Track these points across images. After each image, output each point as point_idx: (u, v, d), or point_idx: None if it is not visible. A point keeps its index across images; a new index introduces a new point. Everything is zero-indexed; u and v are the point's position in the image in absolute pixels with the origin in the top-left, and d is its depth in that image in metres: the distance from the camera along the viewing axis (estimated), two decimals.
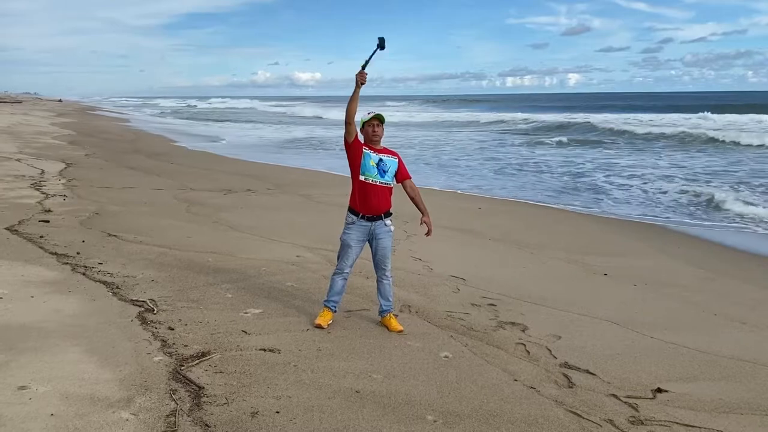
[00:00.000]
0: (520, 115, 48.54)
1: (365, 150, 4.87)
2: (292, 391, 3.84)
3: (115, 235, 7.79)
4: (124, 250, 7.07)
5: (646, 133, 30.49)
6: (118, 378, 3.85)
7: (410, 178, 5.11)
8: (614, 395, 4.10)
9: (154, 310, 5.13)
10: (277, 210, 10.58)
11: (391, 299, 5.14)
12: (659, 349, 5.01)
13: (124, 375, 3.90)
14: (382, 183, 4.90)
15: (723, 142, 25.98)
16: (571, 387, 4.20)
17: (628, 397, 4.08)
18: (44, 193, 10.63)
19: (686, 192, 13.75)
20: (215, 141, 27.83)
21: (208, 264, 6.72)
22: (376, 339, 4.84)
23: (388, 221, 5.00)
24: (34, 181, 11.94)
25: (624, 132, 31.82)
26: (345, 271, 5.07)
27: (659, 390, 4.21)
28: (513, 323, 5.41)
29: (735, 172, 17.76)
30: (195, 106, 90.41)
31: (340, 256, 5.07)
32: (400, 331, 4.99)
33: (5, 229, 7.73)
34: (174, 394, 3.69)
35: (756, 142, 25.15)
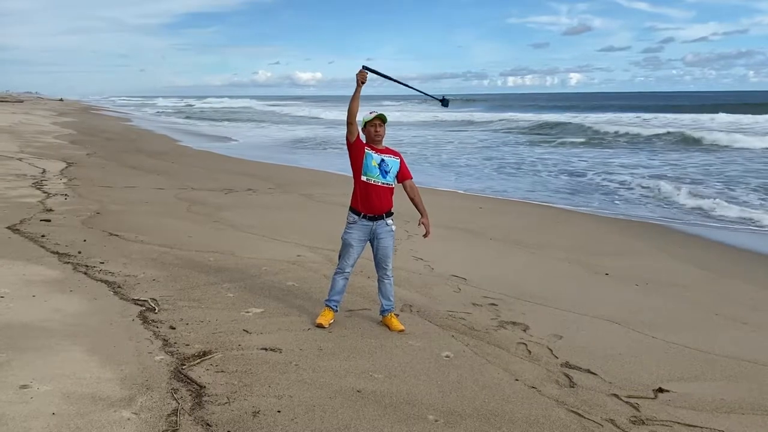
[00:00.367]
0: (517, 115, 48.54)
1: (367, 150, 4.87)
2: (293, 390, 3.84)
3: (116, 235, 7.80)
4: (125, 250, 7.08)
5: (635, 134, 30.43)
6: (119, 377, 3.85)
7: (411, 178, 5.11)
8: (615, 395, 4.10)
9: (155, 310, 5.14)
10: (279, 209, 10.59)
11: (392, 299, 5.14)
12: (660, 348, 5.01)
13: (126, 374, 3.90)
14: (383, 183, 4.90)
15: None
16: (573, 387, 4.19)
17: (630, 396, 4.08)
18: (45, 193, 10.64)
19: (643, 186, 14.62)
20: (225, 141, 27.51)
21: (210, 263, 6.73)
22: (378, 338, 4.84)
23: (389, 221, 5.00)
24: (35, 181, 11.95)
25: (613, 132, 31.70)
26: (346, 270, 5.07)
27: (660, 390, 4.21)
28: (514, 323, 5.41)
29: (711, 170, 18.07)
30: (192, 105, 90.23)
31: (342, 255, 5.07)
32: (402, 331, 4.99)
33: (7, 228, 7.74)
34: (175, 393, 3.69)
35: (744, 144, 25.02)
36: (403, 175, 5.04)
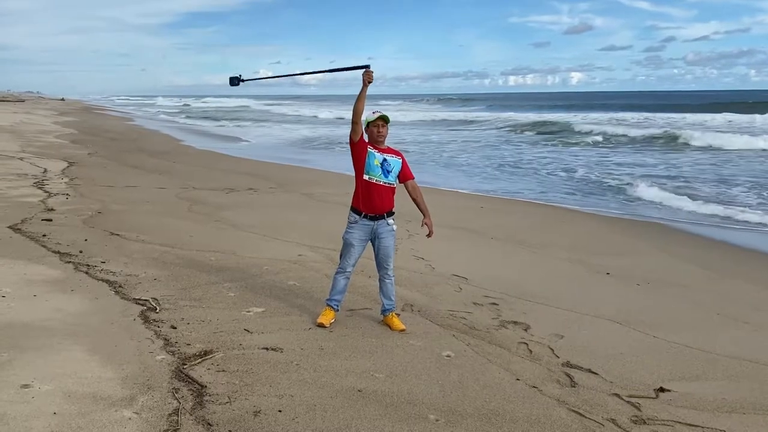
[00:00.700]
0: (514, 115, 48.49)
1: (370, 149, 4.88)
2: (294, 389, 3.84)
3: (117, 234, 7.80)
4: (126, 249, 7.08)
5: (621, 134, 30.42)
6: (120, 377, 3.86)
7: (413, 178, 5.11)
8: (617, 395, 4.09)
9: (156, 309, 5.14)
10: (280, 209, 10.59)
11: (393, 298, 5.14)
12: (662, 348, 5.00)
13: (127, 374, 3.90)
14: (385, 183, 4.90)
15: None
16: (574, 386, 4.19)
17: (631, 396, 4.08)
18: (47, 192, 10.65)
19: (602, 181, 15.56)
20: (236, 141, 27.12)
21: (211, 263, 6.73)
22: (379, 338, 4.84)
23: (390, 220, 5.00)
24: (36, 180, 11.96)
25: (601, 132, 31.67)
26: (347, 270, 5.07)
27: (662, 389, 4.21)
28: (515, 322, 5.41)
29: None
30: (189, 105, 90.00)
31: (343, 255, 5.07)
32: (403, 330, 5.00)
33: (8, 227, 7.74)
34: (176, 392, 3.69)
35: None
36: (404, 175, 5.04)
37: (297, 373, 4.08)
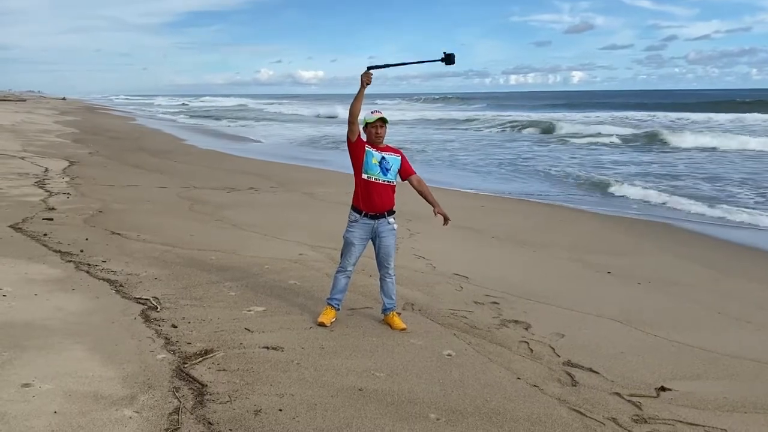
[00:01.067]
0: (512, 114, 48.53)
1: (368, 148, 4.87)
2: (294, 388, 3.84)
3: (118, 233, 7.80)
4: (127, 248, 7.08)
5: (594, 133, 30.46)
6: (121, 376, 3.86)
7: (415, 173, 5.10)
8: (618, 394, 4.09)
9: (157, 308, 5.14)
10: (280, 208, 10.59)
11: (394, 297, 5.13)
12: (663, 347, 5.00)
13: (128, 373, 3.90)
14: (385, 181, 4.90)
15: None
16: (575, 385, 4.19)
17: (632, 395, 4.07)
18: (48, 191, 10.65)
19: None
20: (246, 142, 26.54)
21: (211, 262, 6.73)
22: (379, 337, 4.84)
23: (391, 219, 5.00)
24: (37, 179, 11.96)
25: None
26: (348, 269, 5.07)
27: (663, 388, 4.20)
28: (516, 321, 5.40)
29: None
30: (187, 104, 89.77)
31: (343, 254, 5.07)
32: (403, 330, 4.99)
33: (9, 227, 7.74)
34: (177, 391, 3.69)
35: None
36: (406, 171, 5.03)
37: (298, 372, 4.08)
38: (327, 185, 13.22)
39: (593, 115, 46.34)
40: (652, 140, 26.95)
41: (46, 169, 13.48)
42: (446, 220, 5.11)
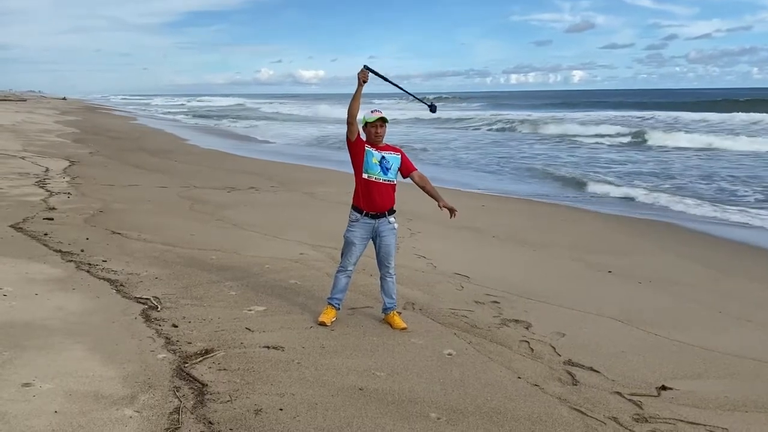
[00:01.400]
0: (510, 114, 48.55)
1: (367, 148, 4.87)
2: (295, 388, 3.84)
3: (119, 233, 7.80)
4: (127, 248, 7.08)
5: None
6: (121, 375, 3.86)
7: (416, 170, 5.10)
8: (618, 393, 4.09)
9: (157, 308, 5.14)
10: (281, 207, 10.59)
11: (394, 297, 5.13)
12: (664, 346, 5.00)
13: (128, 372, 3.90)
14: (385, 180, 4.90)
15: None
16: (575, 384, 4.18)
17: (633, 394, 4.07)
18: (48, 191, 10.65)
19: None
20: (257, 143, 26.17)
21: (212, 261, 6.73)
22: (380, 336, 4.83)
23: (391, 219, 5.00)
24: (38, 179, 11.96)
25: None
26: (348, 268, 5.07)
27: (664, 387, 4.20)
28: (517, 321, 5.40)
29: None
30: (184, 104, 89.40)
31: (344, 253, 5.06)
32: (404, 329, 4.99)
33: (10, 226, 7.74)
34: (177, 391, 3.69)
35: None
36: (407, 169, 5.03)
37: (298, 372, 4.08)
38: (328, 185, 13.21)
39: (590, 114, 46.24)
40: (637, 138, 27.20)
41: (47, 169, 13.49)
42: (452, 212, 5.09)
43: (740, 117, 36.66)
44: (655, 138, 26.38)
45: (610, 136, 28.54)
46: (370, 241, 5.04)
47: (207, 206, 10.27)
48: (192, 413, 3.46)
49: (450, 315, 5.43)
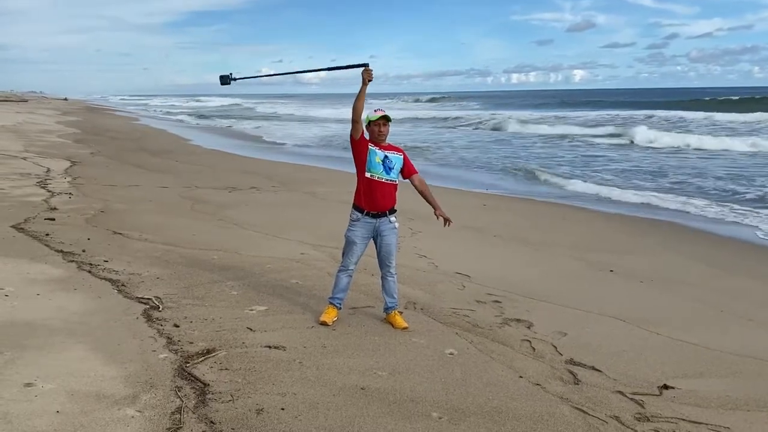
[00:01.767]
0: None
1: (371, 147, 4.87)
2: (297, 387, 3.84)
3: (120, 233, 7.81)
4: (129, 248, 7.09)
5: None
6: (123, 375, 3.86)
7: (417, 173, 5.10)
8: (620, 392, 4.08)
9: (159, 308, 5.14)
10: (282, 207, 10.59)
11: (396, 296, 5.13)
12: (665, 345, 4.99)
13: (130, 372, 3.90)
14: (387, 180, 4.90)
15: None
16: (577, 384, 4.18)
17: (634, 393, 4.07)
18: (50, 191, 10.65)
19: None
20: (274, 145, 25.61)
21: (213, 261, 6.73)
22: (381, 336, 4.83)
23: (393, 218, 5.00)
24: (39, 180, 11.97)
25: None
26: (350, 268, 5.07)
27: (665, 386, 4.19)
28: (518, 320, 5.40)
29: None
30: (177, 105, 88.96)
31: (345, 253, 5.06)
32: (405, 328, 4.99)
33: (11, 227, 7.75)
34: (179, 391, 3.69)
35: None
36: (408, 170, 5.04)
37: (300, 371, 4.08)
38: (329, 184, 13.22)
39: (584, 113, 46.18)
40: (621, 138, 27.52)
41: (48, 170, 13.50)
42: (447, 222, 5.10)
43: (728, 117, 36.66)
44: (635, 136, 26.79)
45: (598, 136, 28.79)
46: (371, 241, 5.05)
47: (208, 206, 10.27)
48: (194, 413, 3.46)
49: (451, 314, 5.43)
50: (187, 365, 4.05)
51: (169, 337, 4.50)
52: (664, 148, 23.83)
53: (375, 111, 4.90)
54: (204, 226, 8.68)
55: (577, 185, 14.42)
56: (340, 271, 5.10)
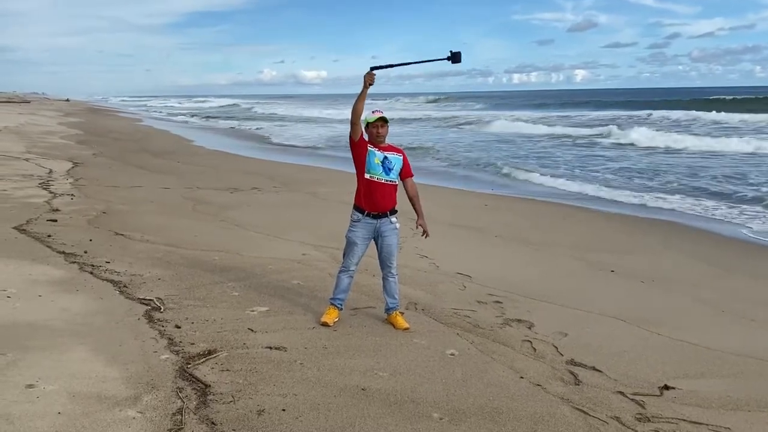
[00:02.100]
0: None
1: (370, 148, 4.88)
2: (298, 388, 3.84)
3: (122, 234, 7.82)
4: (131, 249, 7.10)
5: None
6: (124, 376, 3.87)
7: (412, 176, 5.12)
8: (621, 392, 4.08)
9: (161, 309, 5.15)
10: (283, 208, 10.60)
11: (397, 297, 5.14)
12: (666, 346, 4.99)
13: (131, 373, 3.91)
14: (387, 181, 4.91)
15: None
16: (578, 384, 4.18)
17: (635, 394, 4.07)
18: (52, 193, 10.67)
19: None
20: (290, 147, 25.05)
21: (215, 262, 6.74)
22: (382, 337, 4.84)
23: (393, 219, 5.01)
24: (42, 181, 12.00)
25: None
26: (351, 268, 5.08)
27: (666, 387, 4.19)
28: (519, 320, 5.40)
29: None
30: (173, 106, 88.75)
31: (346, 253, 5.07)
32: (406, 329, 4.99)
33: (13, 228, 7.76)
34: (181, 392, 3.70)
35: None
36: (405, 172, 5.05)
37: (301, 372, 4.09)
38: (330, 185, 13.23)
39: (586, 113, 46.16)
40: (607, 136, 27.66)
41: (50, 171, 13.53)
42: (425, 233, 5.21)
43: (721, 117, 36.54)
44: (617, 135, 27.05)
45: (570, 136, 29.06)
46: (373, 241, 5.05)
47: (210, 207, 10.29)
48: (195, 414, 3.47)
49: (452, 315, 5.43)
50: (189, 366, 4.06)
51: (170, 338, 4.51)
52: (665, 148, 23.76)
53: (373, 112, 4.91)
54: (206, 227, 8.69)
55: (573, 185, 14.45)
56: (341, 271, 5.11)
